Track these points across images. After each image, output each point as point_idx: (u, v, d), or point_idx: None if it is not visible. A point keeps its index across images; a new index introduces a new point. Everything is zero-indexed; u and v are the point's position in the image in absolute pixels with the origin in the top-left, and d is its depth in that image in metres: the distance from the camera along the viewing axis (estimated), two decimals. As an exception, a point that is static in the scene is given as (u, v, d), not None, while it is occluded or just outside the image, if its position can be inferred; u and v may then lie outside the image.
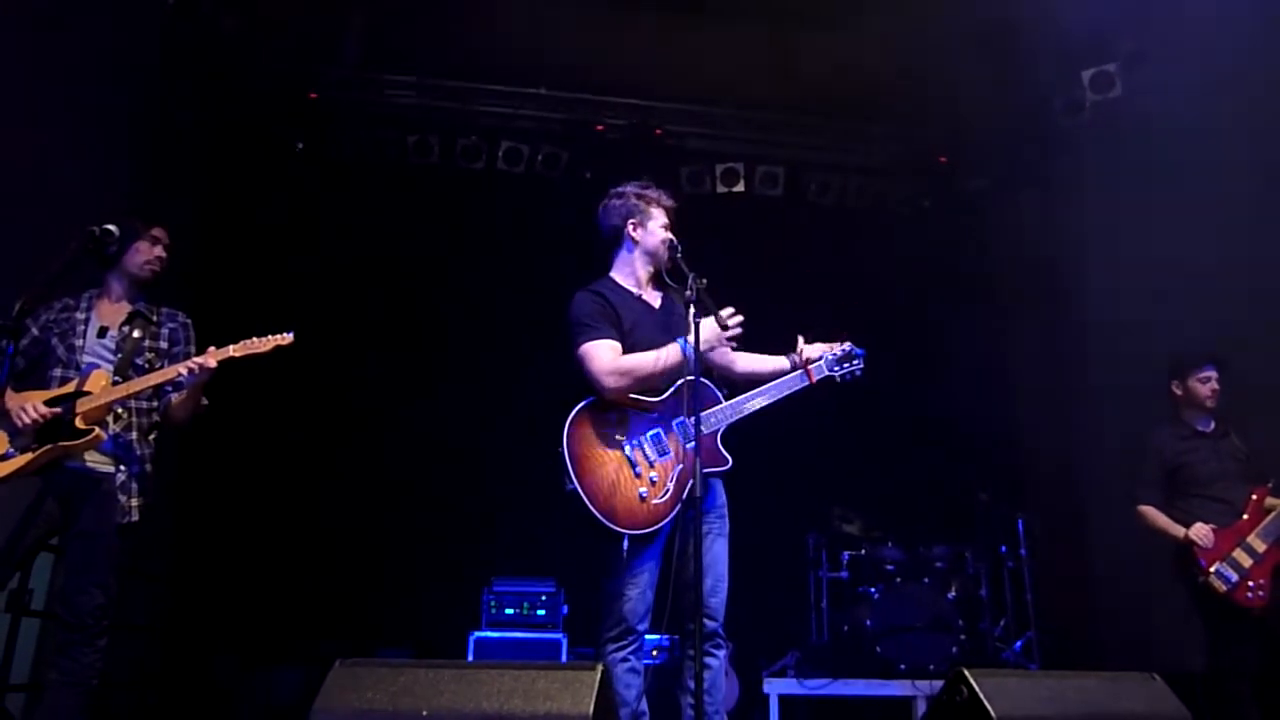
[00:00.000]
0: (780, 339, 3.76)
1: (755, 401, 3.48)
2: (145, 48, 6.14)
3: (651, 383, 3.40)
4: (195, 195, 6.80)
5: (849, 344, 3.74)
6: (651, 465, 3.32)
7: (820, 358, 3.66)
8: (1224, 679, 4.36)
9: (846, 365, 3.70)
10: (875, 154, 7.80)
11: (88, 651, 3.41)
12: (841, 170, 7.82)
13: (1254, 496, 4.51)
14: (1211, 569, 4.38)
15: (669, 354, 3.37)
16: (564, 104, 7.40)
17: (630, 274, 3.66)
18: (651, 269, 3.65)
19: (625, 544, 3.24)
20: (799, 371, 3.61)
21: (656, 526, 3.26)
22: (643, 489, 3.29)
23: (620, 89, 7.36)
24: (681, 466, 3.31)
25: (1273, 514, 4.44)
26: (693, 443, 3.21)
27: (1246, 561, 4.37)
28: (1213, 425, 4.79)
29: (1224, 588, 4.34)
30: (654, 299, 3.68)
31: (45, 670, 3.47)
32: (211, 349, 3.62)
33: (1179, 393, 4.82)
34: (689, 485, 3.22)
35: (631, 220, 3.64)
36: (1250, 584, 4.33)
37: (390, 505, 6.87)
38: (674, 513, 3.27)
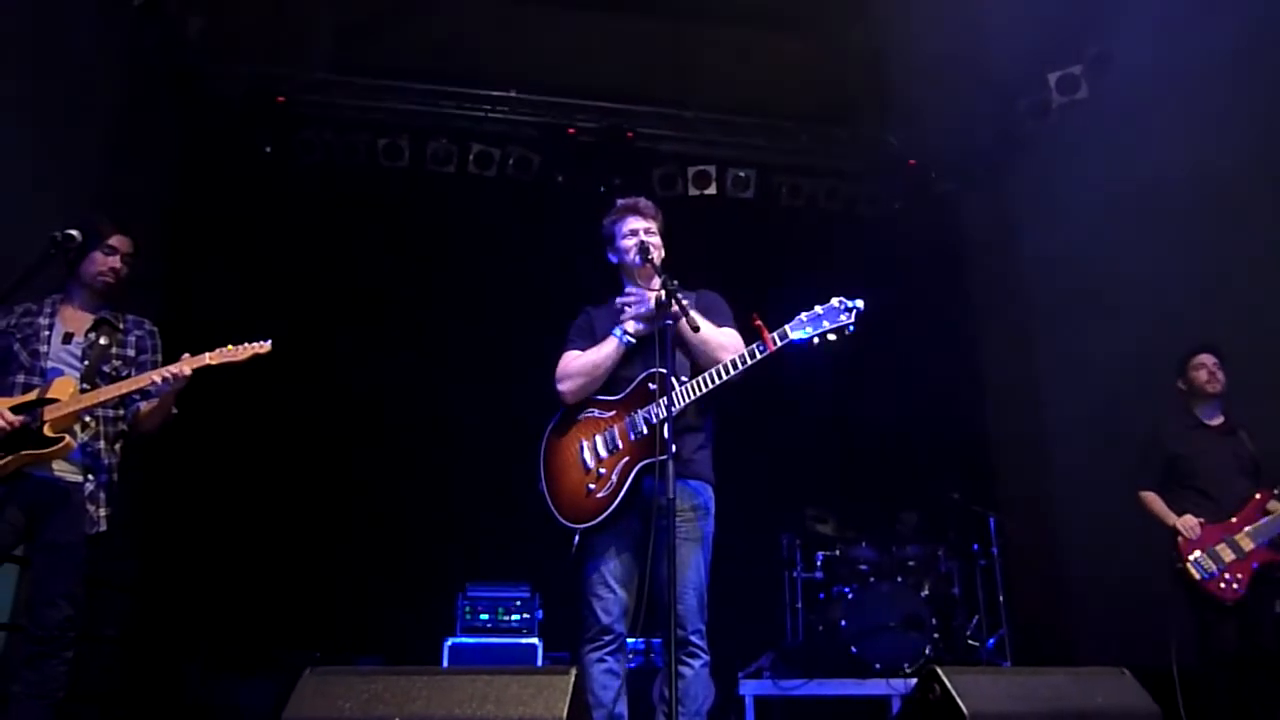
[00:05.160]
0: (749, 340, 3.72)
1: (704, 383, 3.29)
2: (112, 50, 6.06)
3: (599, 379, 3.46)
4: (164, 199, 6.72)
5: (839, 298, 3.29)
6: (601, 460, 3.37)
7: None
8: (1202, 665, 4.43)
9: (830, 323, 3.26)
10: (845, 157, 7.85)
11: (55, 664, 3.36)
12: (812, 173, 7.86)
13: (1257, 496, 4.56)
14: (1190, 557, 4.45)
15: (605, 346, 3.47)
16: (535, 107, 7.39)
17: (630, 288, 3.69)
18: (639, 280, 3.63)
19: (575, 540, 3.33)
20: (755, 343, 3.28)
21: (599, 519, 3.29)
22: (590, 484, 3.35)
23: (592, 92, 7.35)
24: (627, 459, 3.33)
25: (1271, 518, 4.49)
26: (638, 435, 3.30)
27: (1228, 556, 4.43)
28: (1220, 419, 4.85)
29: (1198, 577, 4.42)
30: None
31: (10, 683, 3.40)
32: (186, 356, 3.57)
33: (1183, 388, 4.92)
34: (632, 476, 3.28)
35: (607, 249, 3.71)
36: (1227, 576, 4.40)
37: (363, 511, 6.81)
38: (615, 505, 3.28)
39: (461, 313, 7.30)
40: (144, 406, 3.72)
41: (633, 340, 3.46)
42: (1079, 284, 6.67)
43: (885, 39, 6.51)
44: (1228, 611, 4.40)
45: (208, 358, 3.58)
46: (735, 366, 3.28)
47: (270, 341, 3.68)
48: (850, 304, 3.29)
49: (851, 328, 3.26)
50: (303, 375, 6.71)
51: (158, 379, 3.50)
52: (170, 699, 5.93)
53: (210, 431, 6.27)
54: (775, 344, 3.26)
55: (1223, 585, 4.39)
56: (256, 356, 3.65)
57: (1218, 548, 4.45)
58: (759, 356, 3.27)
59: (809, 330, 3.27)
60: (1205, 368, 4.85)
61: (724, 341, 3.42)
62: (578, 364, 3.50)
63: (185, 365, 3.52)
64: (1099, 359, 6.19)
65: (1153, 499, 4.74)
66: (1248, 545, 4.44)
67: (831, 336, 3.27)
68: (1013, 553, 6.55)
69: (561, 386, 3.49)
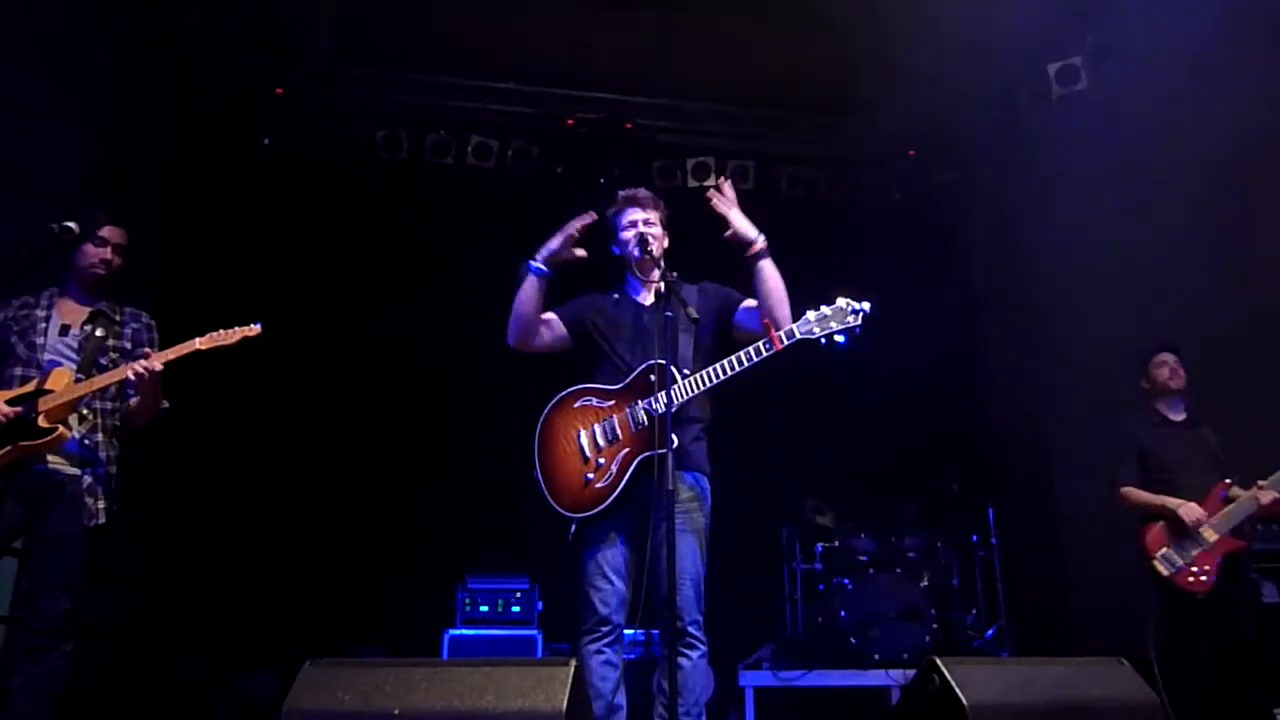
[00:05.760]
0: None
1: (709, 377, 3.31)
2: (109, 42, 6.04)
3: (526, 316, 3.50)
4: (163, 191, 6.70)
5: (846, 299, 3.33)
6: (600, 450, 3.36)
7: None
8: (1170, 659, 4.44)
9: (837, 324, 3.31)
10: (845, 148, 7.83)
11: (54, 657, 3.36)
12: (812, 164, 7.85)
13: (1226, 482, 4.62)
14: (1157, 554, 4.54)
15: (524, 286, 3.50)
16: (534, 98, 7.37)
17: (632, 280, 3.70)
18: (639, 272, 3.63)
19: (572, 529, 3.34)
20: (761, 340, 3.30)
21: (598, 509, 3.29)
22: (589, 473, 3.34)
23: (591, 83, 7.33)
24: (627, 450, 3.33)
25: (1231, 506, 4.55)
26: (638, 426, 3.32)
27: (1194, 549, 4.50)
28: (1184, 415, 4.93)
29: (1167, 572, 4.50)
30: (649, 298, 3.65)
31: (9, 676, 3.41)
32: (147, 351, 3.58)
33: (1147, 386, 5.01)
34: (633, 467, 3.29)
35: (610, 240, 3.70)
36: (1194, 569, 4.47)
37: (363, 503, 6.80)
38: (614, 495, 3.28)
39: (460, 305, 7.27)
40: (133, 402, 3.72)
41: (545, 270, 3.48)
42: (1079, 275, 6.66)
43: (885, 29, 6.48)
44: (1200, 605, 4.46)
45: (198, 343, 3.58)
46: (740, 363, 3.29)
47: (260, 325, 3.67)
48: (858, 306, 3.33)
49: (858, 329, 3.30)
50: (302, 367, 6.71)
51: (130, 374, 3.49)
52: (170, 691, 5.94)
53: (211, 424, 6.28)
54: (782, 343, 3.29)
55: (1191, 579, 4.46)
56: (247, 339, 3.64)
57: (1184, 541, 4.53)
58: (765, 354, 3.29)
59: (816, 330, 3.32)
60: (1167, 365, 4.95)
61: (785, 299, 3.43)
62: (511, 312, 3.54)
63: (154, 360, 3.50)
64: (1098, 349, 6.18)
65: (1136, 491, 4.78)
66: (1212, 536, 4.50)
67: (839, 338, 3.31)
68: (1011, 543, 6.56)
69: (508, 339, 3.56)
